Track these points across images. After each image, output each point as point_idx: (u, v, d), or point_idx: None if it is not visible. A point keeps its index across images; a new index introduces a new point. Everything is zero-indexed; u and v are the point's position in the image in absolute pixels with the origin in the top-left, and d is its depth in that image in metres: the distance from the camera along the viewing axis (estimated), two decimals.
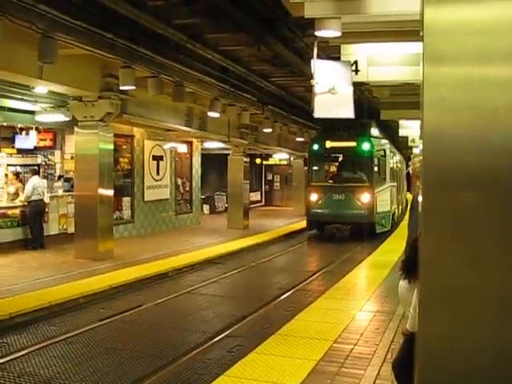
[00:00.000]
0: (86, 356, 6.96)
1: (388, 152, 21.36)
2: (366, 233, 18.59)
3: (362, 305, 8.70)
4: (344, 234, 18.93)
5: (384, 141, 21.70)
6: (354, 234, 18.81)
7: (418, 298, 2.46)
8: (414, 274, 3.90)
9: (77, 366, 6.59)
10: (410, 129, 20.62)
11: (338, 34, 7.02)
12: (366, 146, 19.56)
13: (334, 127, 20.51)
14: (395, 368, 4.49)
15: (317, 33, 7.06)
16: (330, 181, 20.63)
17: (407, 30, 6.76)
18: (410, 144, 23.03)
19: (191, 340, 7.76)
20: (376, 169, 19.85)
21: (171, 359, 6.91)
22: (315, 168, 21.26)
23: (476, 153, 2.06)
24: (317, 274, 12.86)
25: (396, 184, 23.44)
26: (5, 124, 15.91)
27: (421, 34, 2.22)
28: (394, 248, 13.70)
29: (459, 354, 2.13)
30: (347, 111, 8.06)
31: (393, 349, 6.15)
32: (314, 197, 19.85)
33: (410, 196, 22.40)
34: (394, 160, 23.96)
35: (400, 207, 25.31)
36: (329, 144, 20.23)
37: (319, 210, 19.55)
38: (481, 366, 2.10)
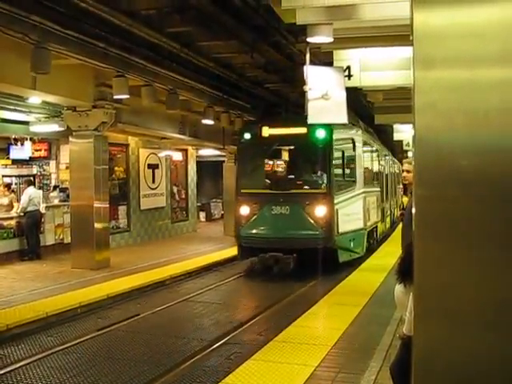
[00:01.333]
0: (84, 366, 6.94)
1: (360, 143, 14.99)
2: (322, 263, 11.92)
3: (359, 309, 8.70)
4: (286, 269, 12.81)
5: (354, 128, 15.14)
6: (307, 264, 12.50)
7: (413, 302, 2.47)
8: (409, 278, 3.91)
9: (75, 377, 6.56)
10: (404, 133, 20.71)
11: (330, 39, 7.08)
12: (320, 134, 13.22)
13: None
14: (393, 372, 4.48)
15: (309, 39, 7.12)
16: (268, 187, 14.05)
17: (399, 35, 6.81)
18: (405, 148, 23.12)
19: (189, 348, 7.75)
20: (338, 167, 13.98)
21: (170, 367, 6.89)
22: (247, 168, 14.60)
23: (468, 156, 2.07)
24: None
25: (379, 189, 18.21)
26: None
27: (411, 38, 2.24)
28: (390, 251, 13.70)
29: (455, 357, 2.13)
30: (341, 116, 8.11)
31: (390, 353, 6.15)
32: (244, 210, 13.60)
33: (405, 199, 22.36)
34: (375, 156, 18.30)
35: (389, 218, 21.08)
36: (267, 131, 13.75)
37: (253, 231, 13.44)
38: (477, 369, 2.11)
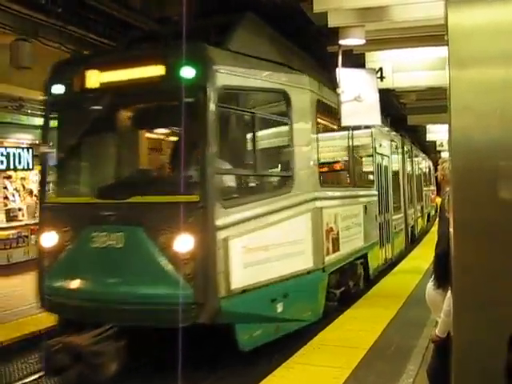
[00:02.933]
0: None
1: (305, 104, 7.82)
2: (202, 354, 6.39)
3: (394, 311, 8.63)
4: (97, 375, 5.83)
5: (287, 72, 7.55)
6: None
7: (452, 305, 2.46)
8: (445, 280, 3.89)
9: None
10: (437, 133, 20.47)
11: (362, 41, 7.10)
12: (189, 75, 6.14)
13: None
14: (429, 375, 4.46)
15: (341, 41, 7.15)
16: (92, 192, 7.10)
17: (432, 35, 6.78)
18: (438, 148, 22.86)
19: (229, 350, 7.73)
20: (234, 148, 7.44)
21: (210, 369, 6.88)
22: (57, 154, 7.50)
23: (505, 156, 2.06)
24: None
25: (376, 193, 11.88)
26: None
27: (445, 38, 2.23)
28: (425, 253, 13.55)
29: (493, 362, 2.13)
30: (374, 118, 8.09)
31: (428, 355, 6.09)
32: (48, 240, 6.73)
33: (438, 200, 22.01)
34: (365, 139, 11.64)
35: (402, 237, 15.50)
36: (94, 78, 6.71)
37: (57, 284, 6.58)
38: None
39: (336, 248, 8.56)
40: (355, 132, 10.35)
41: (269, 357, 6.70)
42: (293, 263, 7.14)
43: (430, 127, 20.32)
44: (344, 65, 7.91)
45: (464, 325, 2.27)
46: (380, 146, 12.71)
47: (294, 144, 7.42)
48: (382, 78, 9.01)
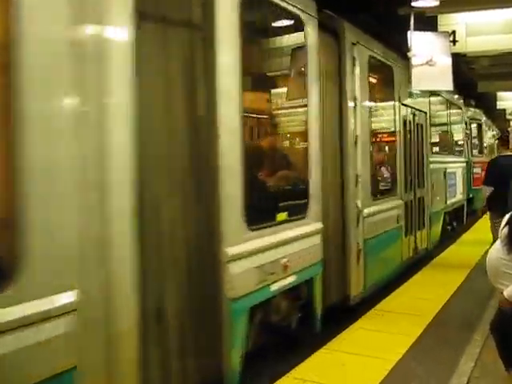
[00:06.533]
0: None
1: None
2: None
3: (460, 281, 8.50)
4: None
5: None
6: None
7: None
8: None
9: None
10: (508, 101, 19.70)
11: (436, 3, 6.91)
12: None
13: None
14: (493, 329, 4.43)
15: (414, 3, 6.97)
16: None
17: None
18: (508, 117, 22.05)
19: None
20: None
21: None
22: None
23: None
24: None
25: None
26: None
27: None
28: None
29: None
30: (446, 83, 7.87)
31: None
32: None
33: None
34: None
35: None
36: None
37: None
38: None
39: None
40: None
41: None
42: None
43: (500, 95, 19.52)
44: (415, 28, 7.68)
45: None
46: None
47: None
48: (454, 41, 8.68)
